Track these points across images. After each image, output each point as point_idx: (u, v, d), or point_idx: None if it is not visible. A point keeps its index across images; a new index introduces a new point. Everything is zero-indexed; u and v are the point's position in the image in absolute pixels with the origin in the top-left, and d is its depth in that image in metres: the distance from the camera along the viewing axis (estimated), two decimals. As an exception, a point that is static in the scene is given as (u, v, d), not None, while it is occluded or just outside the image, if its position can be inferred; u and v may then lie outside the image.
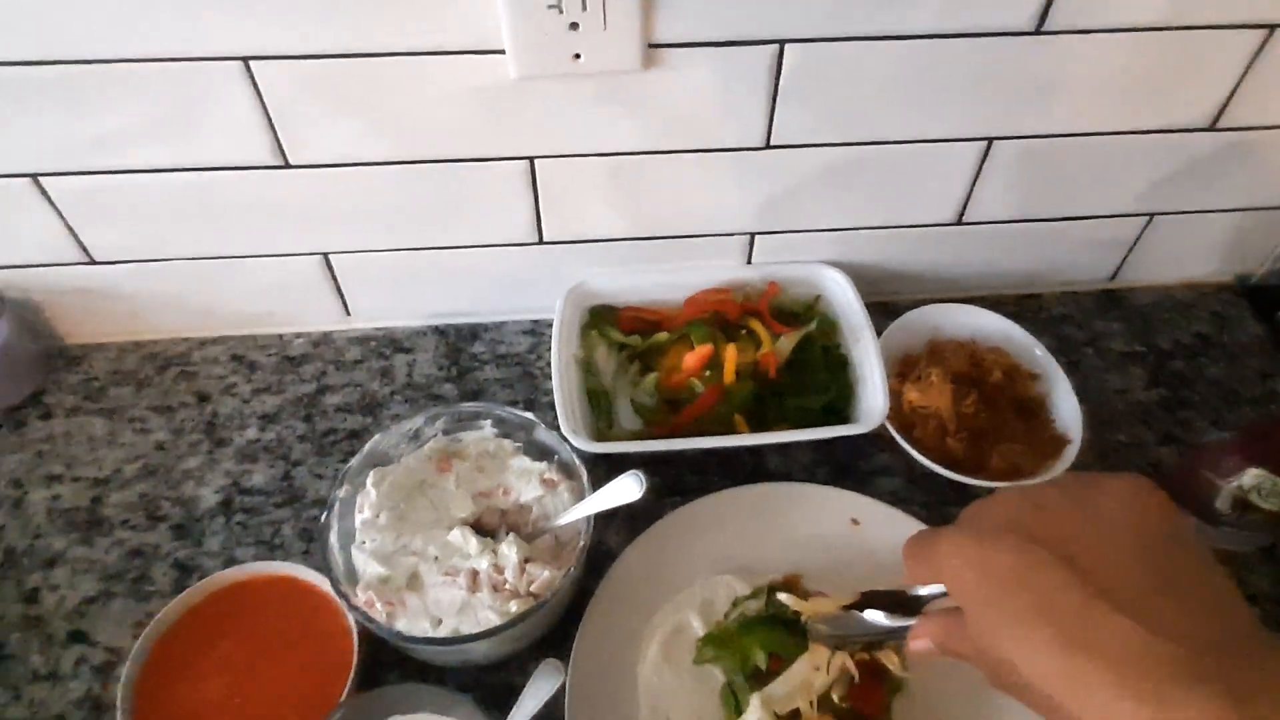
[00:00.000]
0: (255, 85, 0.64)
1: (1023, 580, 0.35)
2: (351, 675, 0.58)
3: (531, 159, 0.72)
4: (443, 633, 0.59)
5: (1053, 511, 0.37)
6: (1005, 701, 0.59)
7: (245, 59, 0.63)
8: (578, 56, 0.64)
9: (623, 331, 0.80)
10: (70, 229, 0.74)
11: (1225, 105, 0.74)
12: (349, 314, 0.85)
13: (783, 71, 0.67)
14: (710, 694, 0.61)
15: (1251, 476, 0.58)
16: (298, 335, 0.86)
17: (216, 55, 0.62)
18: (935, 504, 0.73)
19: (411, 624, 0.59)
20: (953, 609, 0.41)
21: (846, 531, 0.70)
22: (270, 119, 0.67)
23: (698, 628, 0.64)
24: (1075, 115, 0.74)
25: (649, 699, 0.62)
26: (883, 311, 0.83)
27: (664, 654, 0.64)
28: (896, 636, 0.46)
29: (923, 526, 0.69)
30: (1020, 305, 0.90)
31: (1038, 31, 0.66)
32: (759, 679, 0.59)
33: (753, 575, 0.66)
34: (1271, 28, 0.68)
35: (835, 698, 0.57)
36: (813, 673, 0.57)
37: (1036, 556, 0.35)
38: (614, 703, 0.61)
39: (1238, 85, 0.72)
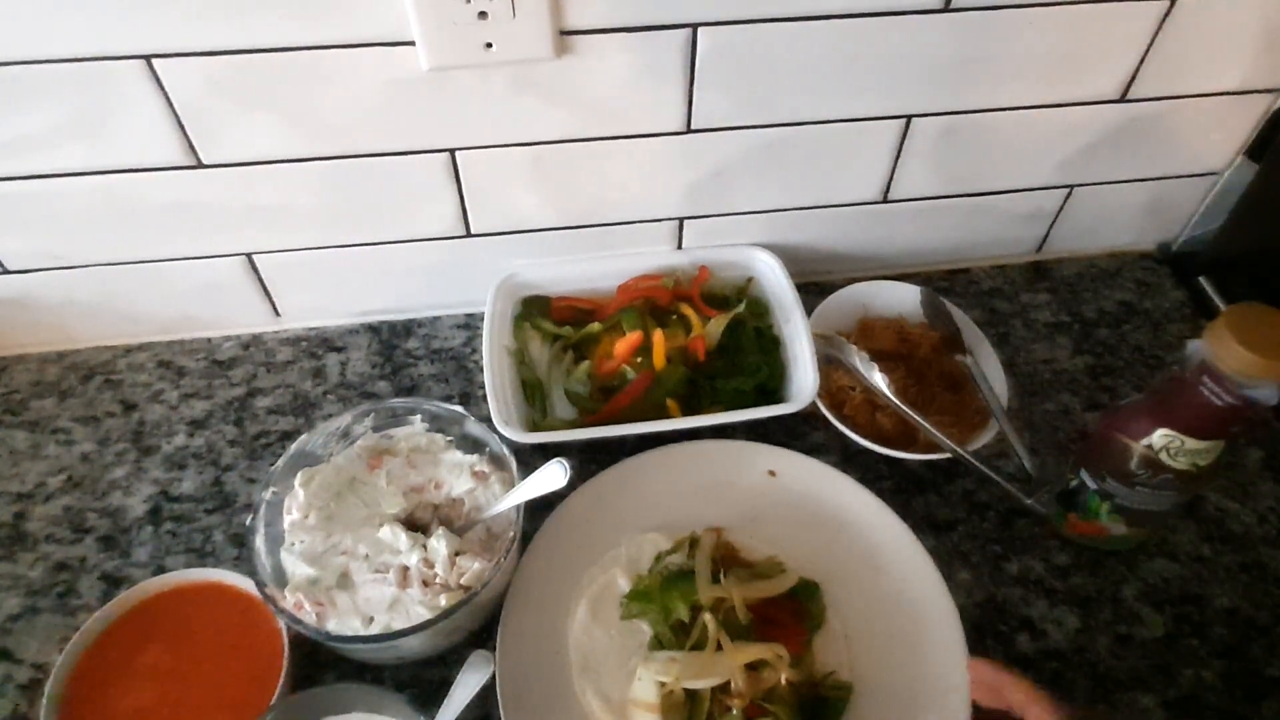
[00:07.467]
0: (160, 84, 0.63)
1: None
2: (282, 678, 0.58)
3: (452, 151, 0.71)
4: (374, 630, 0.58)
5: None
6: (927, 637, 0.62)
7: (147, 57, 0.61)
8: (489, 45, 0.63)
9: (556, 322, 0.80)
10: (-21, 238, 0.72)
11: (1134, 77, 0.75)
12: (278, 314, 0.84)
13: (697, 55, 0.67)
14: (639, 649, 0.62)
15: (1160, 437, 0.59)
16: (226, 338, 0.84)
17: (117, 54, 0.61)
18: (870, 479, 0.74)
19: (342, 623, 0.59)
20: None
21: (765, 483, 0.71)
22: (179, 118, 0.65)
23: (624, 585, 0.64)
24: (989, 91, 0.75)
25: (579, 658, 0.62)
26: (816, 291, 0.84)
27: (592, 613, 0.64)
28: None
29: (838, 474, 0.70)
30: (951, 279, 0.92)
31: (946, 8, 0.67)
32: (683, 631, 0.60)
33: (676, 531, 0.67)
34: (1172, -1, 0.70)
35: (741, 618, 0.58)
36: (711, 662, 0.57)
37: None
38: (545, 669, 0.61)
39: (1144, 57, 0.74)
